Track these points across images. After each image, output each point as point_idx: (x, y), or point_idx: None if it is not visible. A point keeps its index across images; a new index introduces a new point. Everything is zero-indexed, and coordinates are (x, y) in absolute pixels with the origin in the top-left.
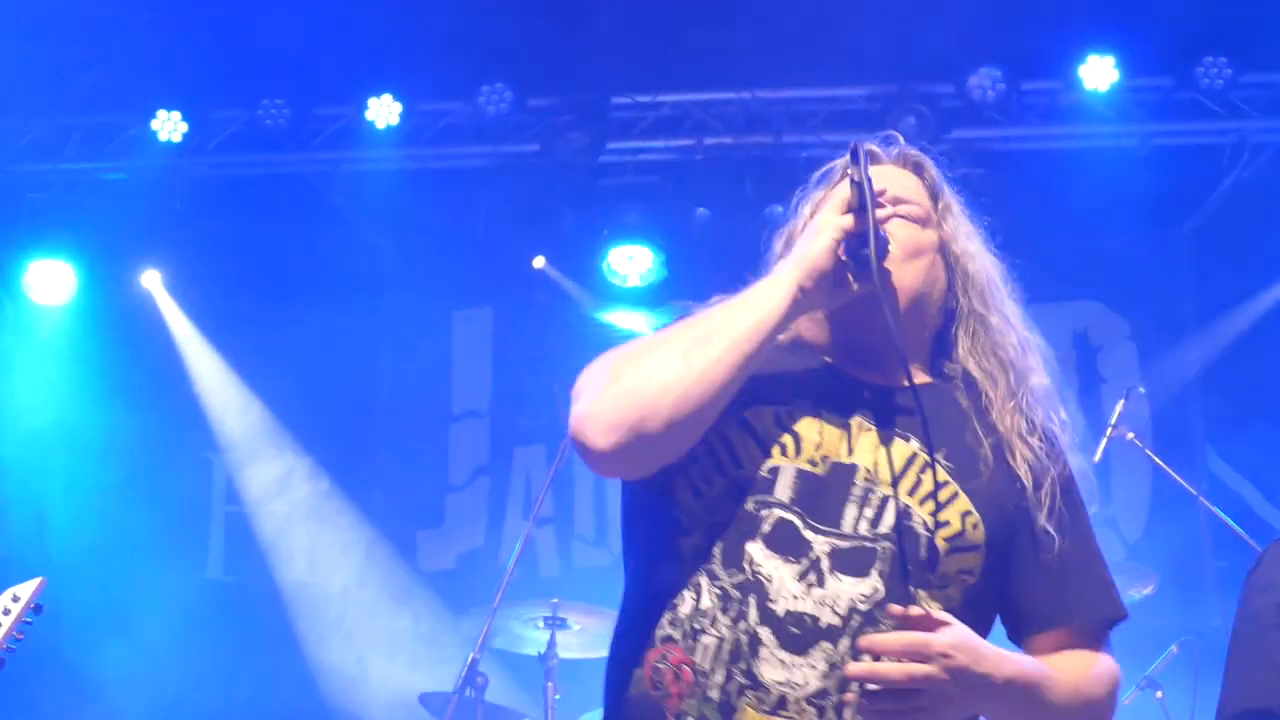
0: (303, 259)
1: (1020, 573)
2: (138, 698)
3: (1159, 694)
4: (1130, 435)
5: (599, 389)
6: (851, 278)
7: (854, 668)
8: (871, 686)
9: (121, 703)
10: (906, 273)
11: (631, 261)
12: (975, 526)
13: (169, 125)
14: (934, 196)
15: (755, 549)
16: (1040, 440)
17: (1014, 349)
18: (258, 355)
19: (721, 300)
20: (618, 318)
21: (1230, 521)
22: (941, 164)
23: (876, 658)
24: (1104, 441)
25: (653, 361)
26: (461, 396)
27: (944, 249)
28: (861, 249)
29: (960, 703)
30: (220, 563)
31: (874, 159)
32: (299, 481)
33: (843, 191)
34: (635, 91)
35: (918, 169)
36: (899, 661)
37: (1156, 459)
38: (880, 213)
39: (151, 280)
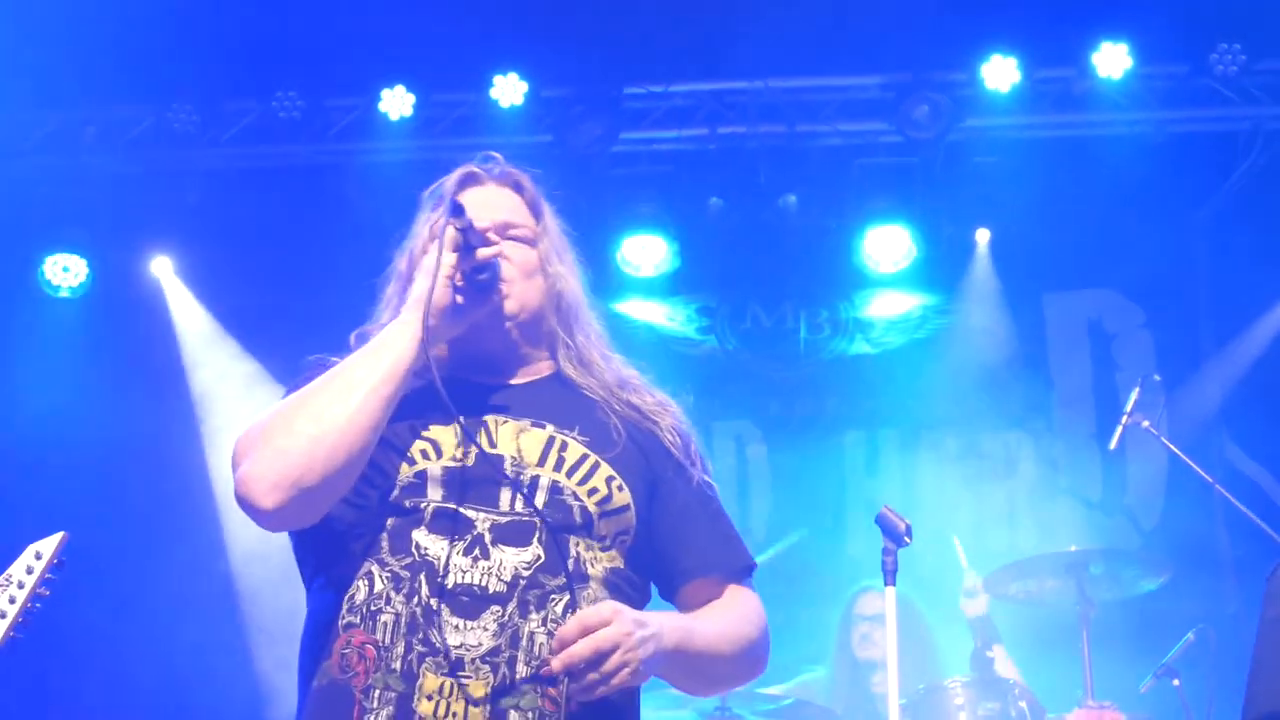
0: (316, 251)
1: (662, 530)
2: (149, 686)
3: (1176, 682)
4: (1146, 423)
5: (255, 451)
6: (462, 299)
7: (553, 662)
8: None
9: (132, 691)
10: (528, 290)
11: (645, 251)
12: (620, 489)
13: (183, 117)
14: (535, 214)
15: (420, 534)
16: (652, 415)
17: (599, 359)
18: (271, 348)
19: (359, 340)
20: (631, 308)
21: (1246, 510)
22: (537, 180)
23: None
24: (1119, 430)
25: (302, 418)
26: None
27: (543, 267)
28: (478, 275)
29: (644, 667)
30: (235, 554)
31: (476, 180)
32: None
33: (449, 234)
34: (648, 81)
35: (518, 188)
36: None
37: (1172, 447)
38: (486, 251)
39: (162, 267)
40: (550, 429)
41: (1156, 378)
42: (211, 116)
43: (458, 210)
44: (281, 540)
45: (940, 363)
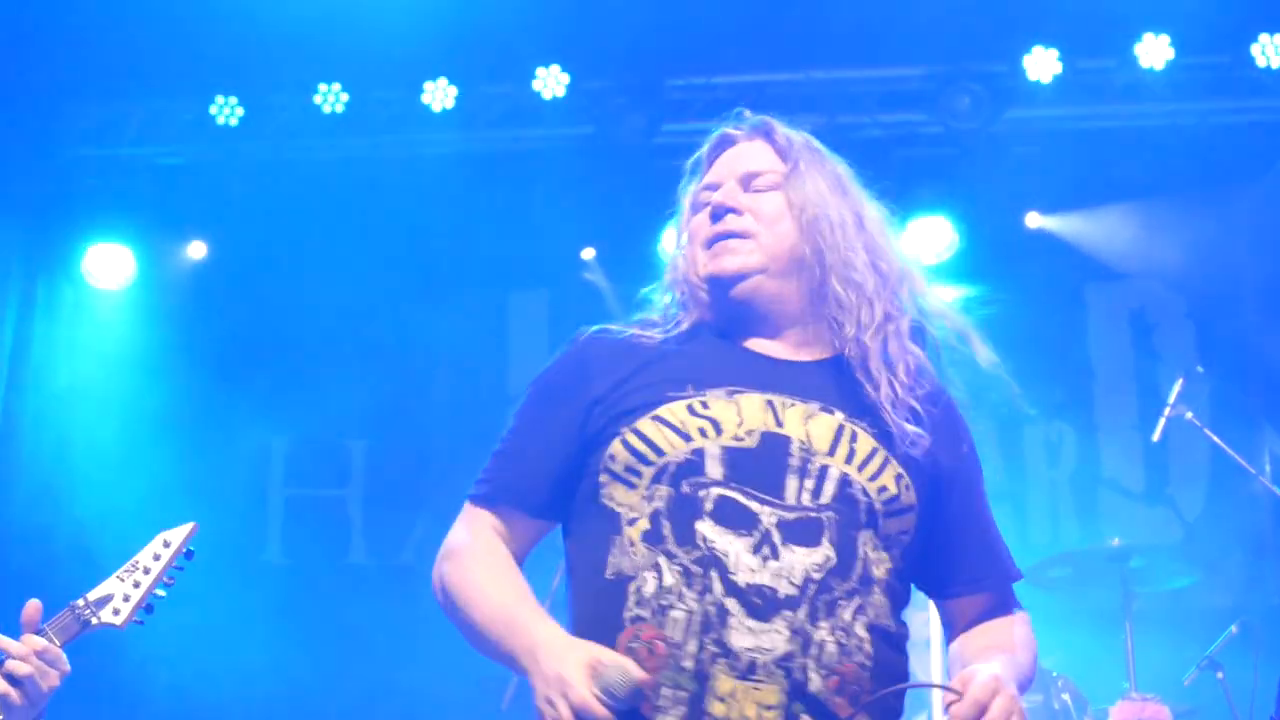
0: (358, 243)
1: (938, 538)
2: (190, 681)
3: (1220, 674)
4: (1189, 415)
5: (442, 570)
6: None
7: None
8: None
9: (175, 687)
10: (776, 238)
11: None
12: (908, 488)
13: (226, 110)
14: (785, 158)
15: (705, 526)
16: (936, 409)
17: (873, 289)
18: (312, 340)
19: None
20: None
21: None
22: (792, 125)
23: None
24: (1162, 421)
25: (452, 598)
26: (518, 380)
27: (800, 207)
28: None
29: None
30: (279, 546)
31: (729, 141)
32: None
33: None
34: (690, 73)
35: (768, 135)
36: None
37: (1215, 438)
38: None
39: (198, 250)
40: (840, 416)
41: (1200, 369)
42: (254, 109)
43: (610, 694)
44: (326, 533)
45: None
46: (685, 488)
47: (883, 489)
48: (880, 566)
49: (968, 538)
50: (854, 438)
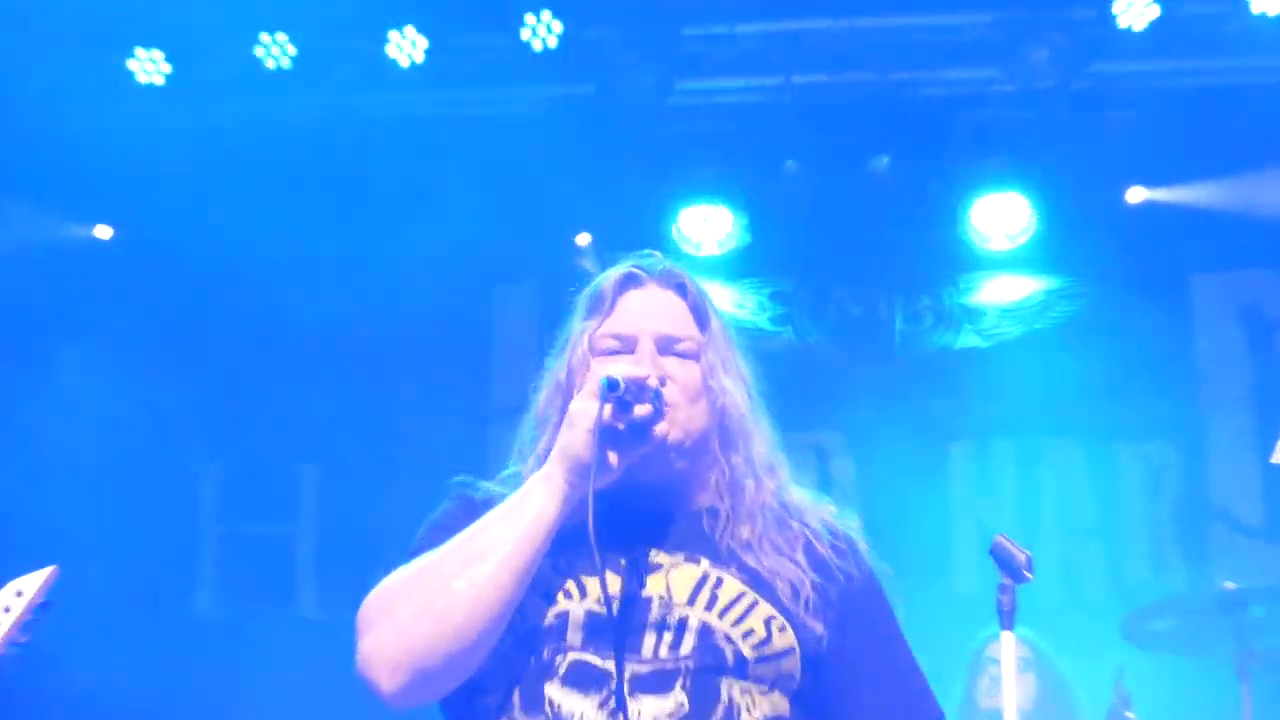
0: (307, 226)
1: (839, 680)
2: None
3: None
4: None
5: (377, 626)
6: (615, 456)
7: None
8: None
9: None
10: (693, 415)
11: (707, 225)
12: (782, 629)
13: (148, 66)
14: (700, 321)
15: (553, 689)
16: (828, 549)
17: (752, 484)
18: (251, 343)
19: (506, 483)
20: None
21: None
22: (698, 280)
23: None
24: None
25: (427, 590)
26: (502, 389)
27: (715, 387)
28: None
29: None
30: (211, 595)
31: (636, 282)
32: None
33: (594, 375)
34: (710, 20)
35: (681, 290)
36: None
37: None
38: (643, 409)
39: (104, 233)
40: (705, 564)
41: None
42: (183, 64)
43: (612, 387)
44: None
45: (1066, 358)
46: (545, 653)
47: (748, 633)
48: (756, 710)
49: (878, 679)
50: (718, 584)
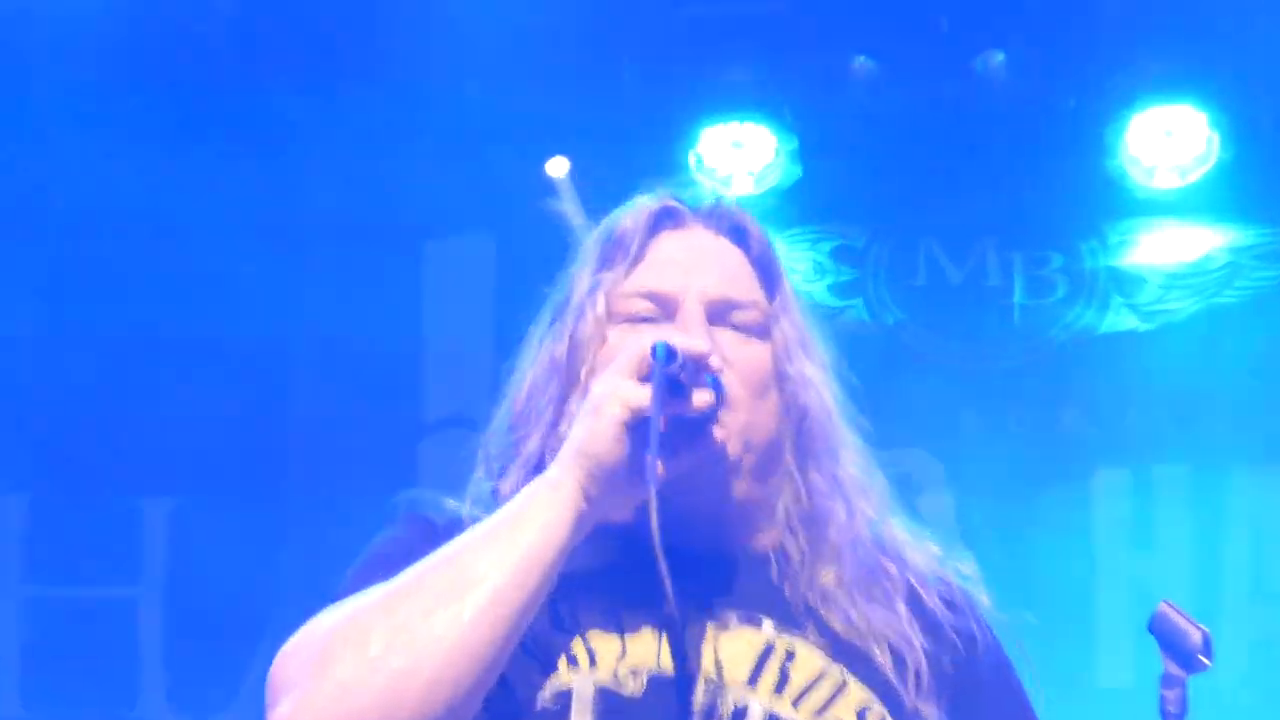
0: (156, 158)
1: None
2: None
3: None
4: None
5: (307, 682)
6: (661, 465)
7: None
8: None
9: None
10: (758, 416)
11: (740, 151)
12: None
13: None
14: (769, 282)
15: None
16: (938, 602)
17: (842, 510)
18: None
19: (479, 506)
20: None
21: None
22: (761, 223)
23: None
24: None
25: (382, 636)
26: (440, 390)
27: (792, 376)
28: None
29: None
30: (16, 692)
31: (675, 220)
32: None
33: (636, 345)
34: None
35: (740, 237)
36: None
37: None
38: (703, 397)
39: None
40: (769, 628)
41: None
42: None
43: (669, 357)
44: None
45: (1262, 347)
46: None
47: None
48: None
49: None
50: (789, 656)
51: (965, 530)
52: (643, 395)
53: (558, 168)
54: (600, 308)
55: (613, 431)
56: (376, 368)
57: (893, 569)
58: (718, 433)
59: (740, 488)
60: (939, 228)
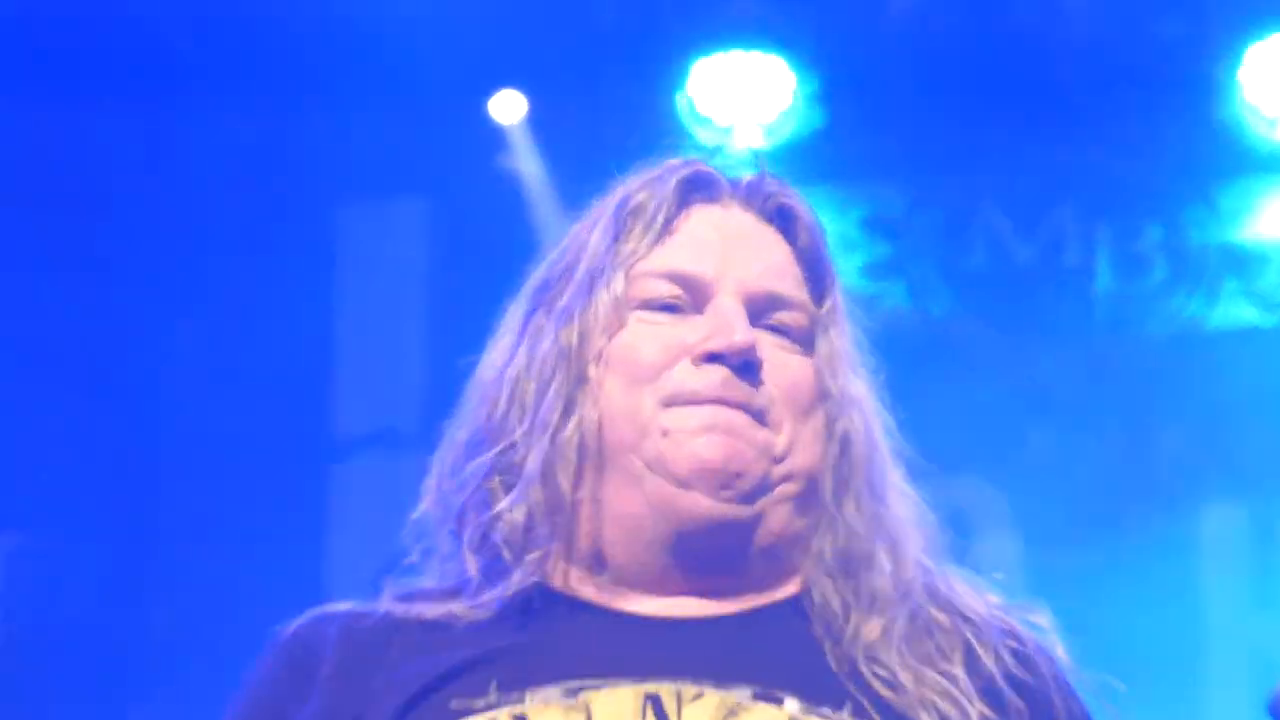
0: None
1: None
2: None
3: None
4: None
5: None
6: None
7: None
8: None
9: None
10: (801, 439)
11: (743, 88)
12: None
13: None
14: (816, 283)
15: None
16: (1007, 660)
17: (886, 554)
18: None
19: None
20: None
21: None
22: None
23: None
24: None
25: None
26: (354, 403)
27: (821, 388)
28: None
29: None
30: None
31: (707, 190)
32: None
33: (645, 342)
34: None
35: (785, 220)
36: None
37: None
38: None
39: None
40: (792, 705)
41: None
42: None
43: None
44: None
45: None
46: None
47: None
48: None
49: None
50: None
51: (1034, 581)
52: None
53: (508, 110)
54: (619, 286)
55: None
56: (274, 371)
57: (946, 622)
58: (759, 445)
59: (775, 523)
60: (1001, 191)
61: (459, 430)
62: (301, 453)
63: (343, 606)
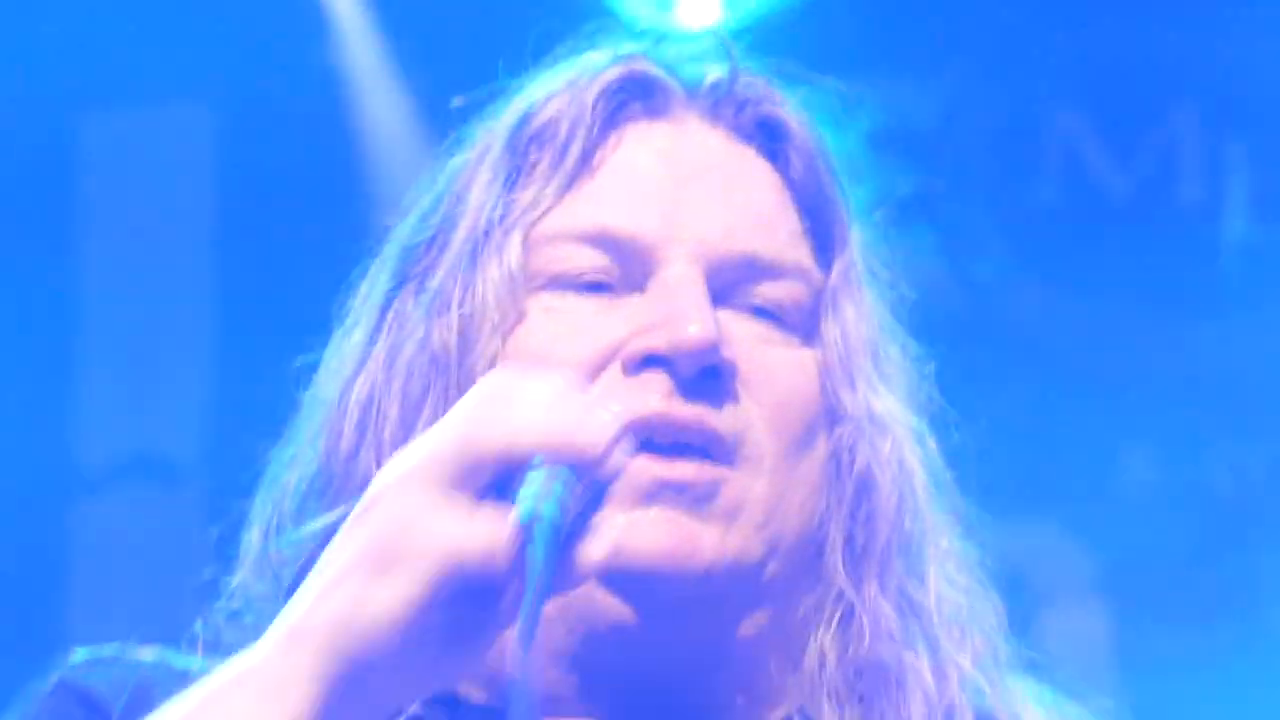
0: None
1: None
2: None
3: None
4: None
5: None
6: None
7: None
8: None
9: None
10: (789, 487)
11: None
12: None
13: None
14: (819, 231)
15: None
16: None
17: (944, 668)
18: None
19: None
20: None
21: None
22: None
23: None
24: None
25: None
26: (101, 420)
27: (828, 389)
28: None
29: None
30: None
31: (652, 104)
32: None
33: (546, 337)
34: None
35: (770, 139)
36: None
37: None
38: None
39: None
40: None
41: None
42: None
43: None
44: None
45: None
46: None
47: None
48: None
49: None
50: None
51: (1134, 669)
52: (477, 541)
53: None
54: (515, 256)
55: (409, 606)
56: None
57: None
58: (715, 519)
59: (751, 621)
60: (1082, 94)
61: (289, 470)
62: (36, 483)
63: (146, 654)
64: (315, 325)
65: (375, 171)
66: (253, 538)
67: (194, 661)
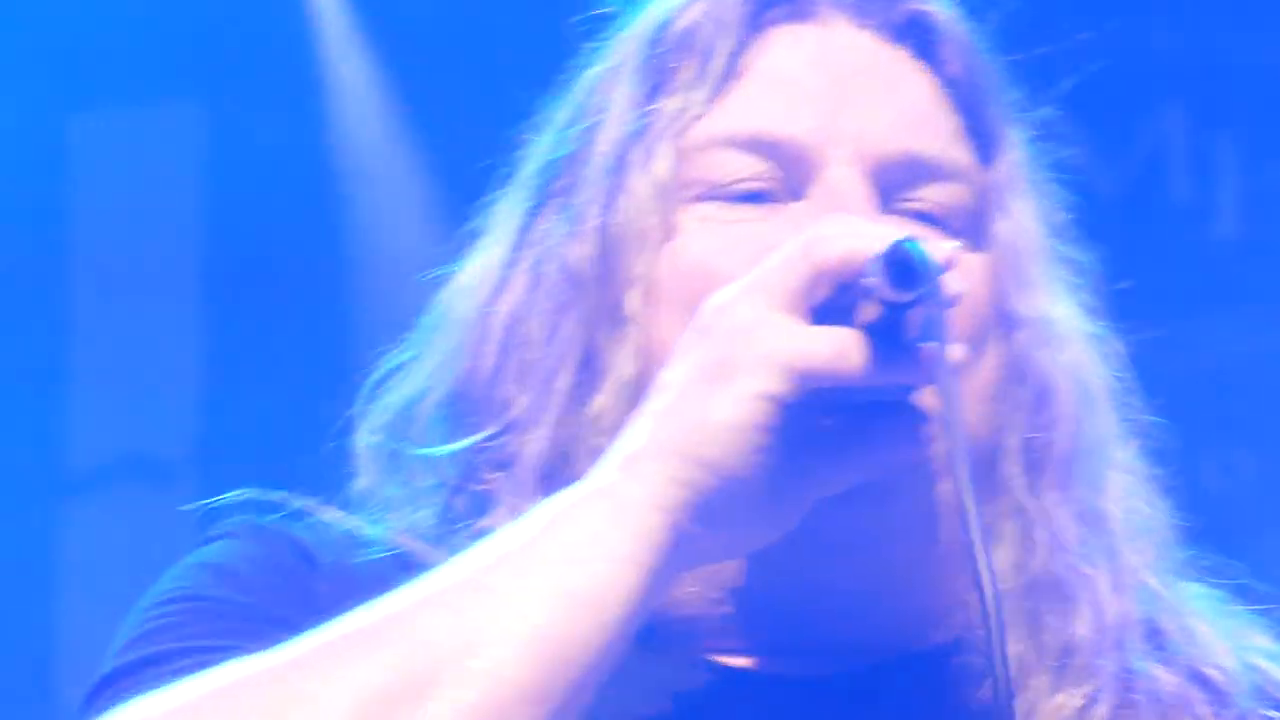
0: None
1: None
2: None
3: None
4: None
5: None
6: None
7: None
8: None
9: None
10: (971, 393)
11: None
12: None
13: None
14: (979, 132)
15: None
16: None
17: (1123, 585)
18: None
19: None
20: None
21: None
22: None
23: None
24: None
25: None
26: (91, 421)
27: (1000, 294)
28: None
29: None
30: None
31: (800, 5)
32: None
33: (716, 239)
34: None
35: (923, 41)
36: None
37: None
38: (958, 350)
39: None
40: None
41: None
42: None
43: (911, 269)
44: None
45: None
46: None
47: None
48: None
49: None
50: None
51: None
52: (822, 347)
53: None
54: (664, 166)
55: (753, 418)
56: None
57: (1174, 686)
58: (930, 425)
59: (928, 534)
60: (1067, 94)
61: (418, 383)
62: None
63: (331, 515)
64: (305, 328)
65: (361, 174)
66: (369, 443)
67: (379, 530)
